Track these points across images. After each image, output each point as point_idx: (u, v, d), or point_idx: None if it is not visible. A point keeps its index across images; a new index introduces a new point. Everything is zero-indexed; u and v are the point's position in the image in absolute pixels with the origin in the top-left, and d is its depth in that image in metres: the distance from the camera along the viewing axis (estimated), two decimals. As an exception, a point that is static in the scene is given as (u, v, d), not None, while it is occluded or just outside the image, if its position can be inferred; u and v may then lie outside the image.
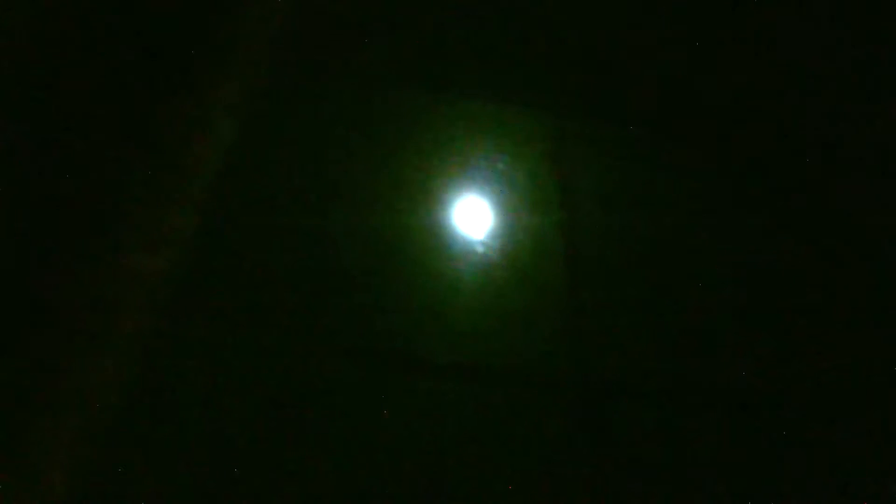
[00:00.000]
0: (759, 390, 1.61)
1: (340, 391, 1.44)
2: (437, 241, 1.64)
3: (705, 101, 1.97)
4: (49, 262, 1.17)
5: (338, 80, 1.77)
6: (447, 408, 1.47)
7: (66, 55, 1.26)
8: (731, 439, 1.54)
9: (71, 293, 1.16)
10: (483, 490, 1.40)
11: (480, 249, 1.65)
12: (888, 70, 2.01)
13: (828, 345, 1.67)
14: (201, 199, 1.35)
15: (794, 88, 2.02)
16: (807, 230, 1.82)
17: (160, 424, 1.34)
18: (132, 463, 1.29)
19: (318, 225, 1.58)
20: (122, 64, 1.25)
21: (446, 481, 1.40)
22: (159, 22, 1.31)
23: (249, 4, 1.35)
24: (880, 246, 1.78)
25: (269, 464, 1.35)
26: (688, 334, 1.65)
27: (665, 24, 2.03)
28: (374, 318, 1.53)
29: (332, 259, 1.57)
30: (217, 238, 1.50)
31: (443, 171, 1.73)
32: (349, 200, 1.64)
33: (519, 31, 1.98)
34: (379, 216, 1.63)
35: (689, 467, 1.49)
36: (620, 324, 1.63)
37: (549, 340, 1.58)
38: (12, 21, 1.26)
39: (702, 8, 2.05)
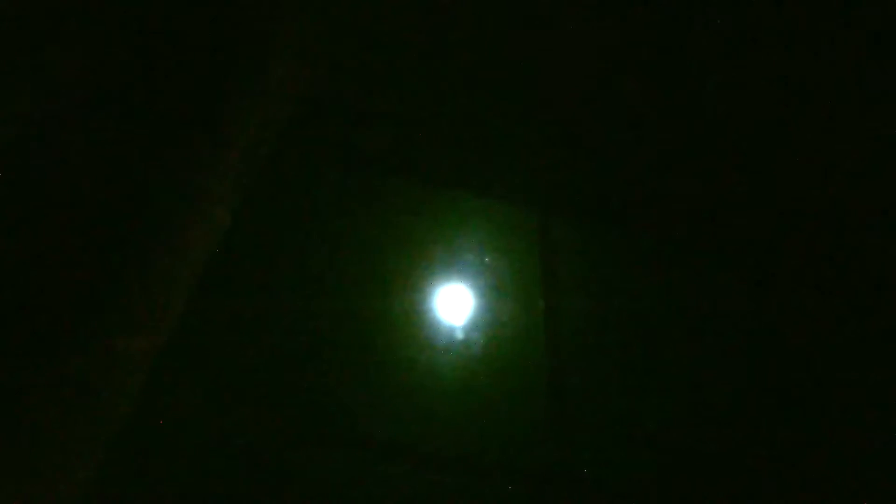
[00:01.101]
0: (747, 471, 1.61)
1: (312, 478, 1.40)
2: (418, 328, 1.64)
3: (678, 193, 2.06)
4: (32, 341, 1.15)
5: (329, 167, 1.81)
6: (418, 497, 1.44)
7: (72, 124, 1.28)
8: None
9: (51, 374, 1.14)
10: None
11: (461, 337, 1.66)
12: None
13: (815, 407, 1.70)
14: (190, 281, 1.35)
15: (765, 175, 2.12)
16: (782, 314, 1.88)
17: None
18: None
19: (303, 308, 1.58)
20: (126, 138, 1.28)
21: None
22: (162, 101, 1.34)
23: (244, 93, 1.40)
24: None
25: None
26: (670, 424, 1.66)
27: (636, 126, 2.14)
28: (354, 401, 1.52)
29: (314, 341, 1.57)
30: (202, 319, 1.49)
31: (427, 260, 1.76)
32: (333, 286, 1.65)
33: (510, 128, 2.07)
34: (361, 302, 1.64)
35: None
36: (602, 412, 1.64)
37: (530, 429, 1.57)
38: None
39: (671, 111, 2.17)
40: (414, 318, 1.65)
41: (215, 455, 1.38)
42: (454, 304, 1.71)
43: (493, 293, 1.76)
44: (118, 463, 1.30)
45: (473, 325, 1.69)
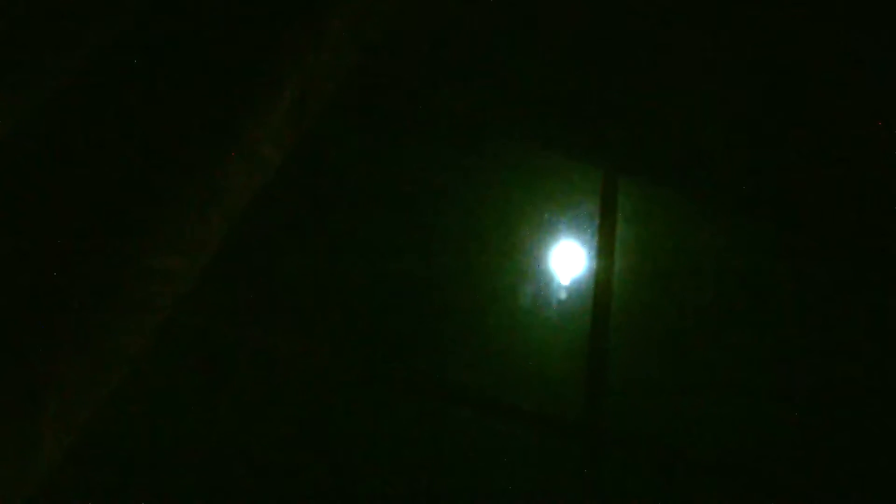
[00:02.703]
0: (780, 470, 1.53)
1: (364, 411, 1.48)
2: (480, 279, 1.67)
3: (763, 167, 1.93)
4: (75, 258, 1.26)
5: (403, 126, 1.85)
6: (478, 444, 1.48)
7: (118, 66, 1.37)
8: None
9: (96, 289, 1.25)
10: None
11: (519, 288, 1.67)
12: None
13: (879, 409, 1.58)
14: (233, 212, 1.42)
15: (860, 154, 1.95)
16: (862, 306, 1.74)
17: (166, 426, 1.40)
18: (143, 464, 1.36)
19: (367, 254, 1.63)
20: (168, 71, 1.35)
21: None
22: (214, 43, 1.41)
23: (323, 46, 1.44)
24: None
25: (281, 471, 1.39)
26: (711, 403, 1.59)
27: (725, 87, 2.01)
28: (423, 344, 1.58)
29: (385, 286, 1.63)
30: (253, 248, 1.58)
31: (491, 215, 1.77)
32: (393, 234, 1.69)
33: (583, 87, 2.01)
34: (425, 252, 1.68)
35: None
36: (643, 380, 1.61)
37: (567, 386, 1.57)
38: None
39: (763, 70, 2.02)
40: (465, 267, 1.68)
41: (266, 385, 1.46)
42: (509, 255, 1.72)
43: (549, 249, 1.75)
44: (150, 377, 1.41)
45: (526, 277, 1.70)
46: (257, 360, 1.47)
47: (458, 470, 1.46)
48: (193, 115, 1.32)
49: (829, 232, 1.86)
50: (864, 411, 1.64)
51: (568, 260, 1.74)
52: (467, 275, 1.68)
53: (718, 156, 1.96)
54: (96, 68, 1.36)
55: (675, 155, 1.96)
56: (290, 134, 1.49)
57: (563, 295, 1.69)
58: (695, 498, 1.50)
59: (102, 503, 1.30)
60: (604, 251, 1.77)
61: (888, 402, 1.63)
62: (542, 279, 1.70)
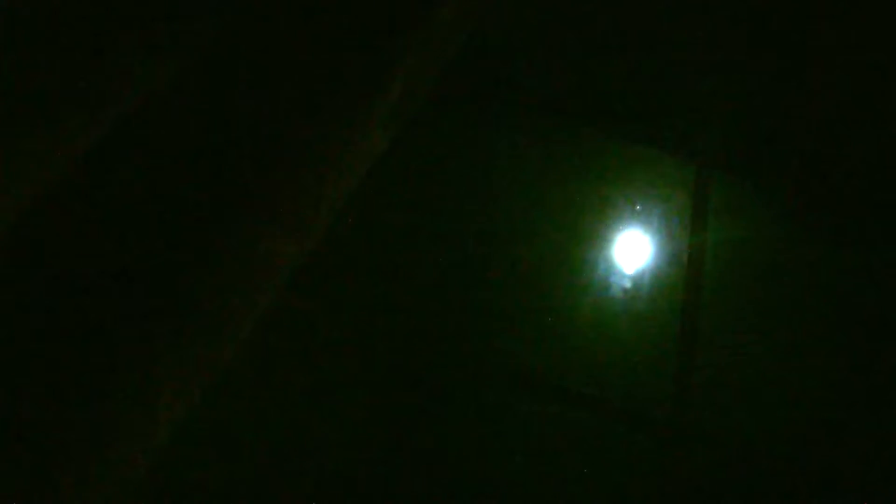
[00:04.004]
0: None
1: (455, 400, 1.48)
2: (564, 266, 1.66)
3: (861, 168, 1.88)
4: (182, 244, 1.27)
5: (495, 104, 1.84)
6: (542, 428, 1.48)
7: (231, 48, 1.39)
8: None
9: (217, 270, 1.27)
10: None
11: (605, 279, 1.65)
12: None
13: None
14: (341, 195, 1.44)
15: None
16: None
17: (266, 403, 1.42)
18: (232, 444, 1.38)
19: (453, 239, 1.64)
20: (288, 62, 1.36)
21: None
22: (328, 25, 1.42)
23: (414, 25, 1.45)
24: None
25: (370, 458, 1.40)
26: (805, 404, 1.56)
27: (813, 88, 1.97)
28: (494, 329, 1.57)
29: (453, 255, 1.63)
30: (354, 234, 1.60)
31: (581, 203, 1.75)
32: (487, 219, 1.70)
33: (681, 80, 1.99)
34: (512, 236, 1.68)
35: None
36: (732, 379, 1.58)
37: (655, 380, 1.55)
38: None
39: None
40: (558, 257, 1.67)
41: (346, 366, 1.47)
42: (600, 247, 1.70)
43: (640, 242, 1.73)
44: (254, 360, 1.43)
45: (616, 269, 1.68)
46: (350, 344, 1.48)
47: (538, 459, 1.45)
48: (311, 105, 1.33)
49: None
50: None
51: (658, 253, 1.72)
52: (558, 266, 1.67)
53: (809, 152, 1.92)
54: (223, 53, 1.38)
55: (767, 150, 1.92)
56: (396, 123, 1.50)
57: (652, 288, 1.66)
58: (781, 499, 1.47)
59: (209, 482, 1.32)
60: (695, 245, 1.74)
61: None
62: (631, 272, 1.69)
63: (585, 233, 1.72)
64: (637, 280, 1.68)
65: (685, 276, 1.70)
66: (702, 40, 2.05)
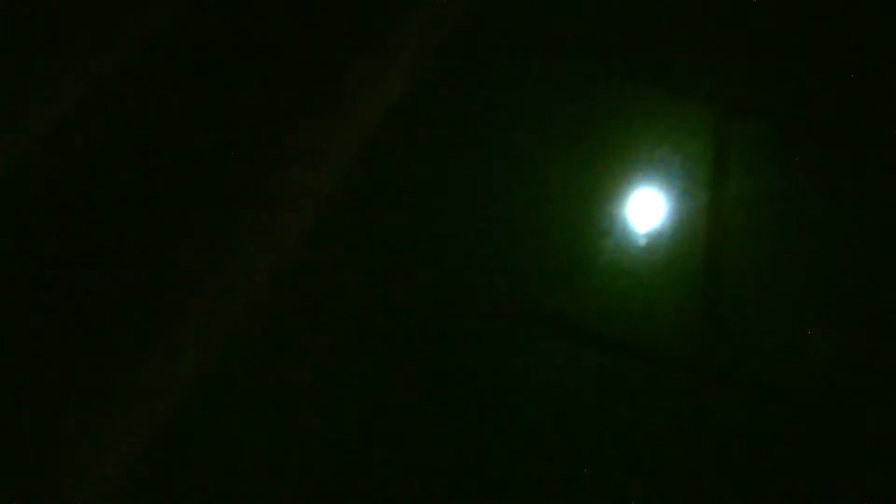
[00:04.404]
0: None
1: (478, 341, 1.46)
2: (585, 210, 1.64)
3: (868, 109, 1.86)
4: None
5: (518, 53, 1.76)
6: (564, 367, 1.47)
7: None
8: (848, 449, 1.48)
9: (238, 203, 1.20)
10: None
11: (626, 224, 1.62)
12: None
13: None
14: (359, 137, 1.37)
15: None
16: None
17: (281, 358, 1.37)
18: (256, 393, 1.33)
19: (474, 182, 1.58)
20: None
21: (547, 436, 1.40)
22: None
23: None
24: None
25: (390, 409, 1.37)
26: (829, 346, 1.58)
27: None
28: (517, 270, 1.55)
29: (487, 213, 1.57)
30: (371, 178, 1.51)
31: (600, 147, 1.71)
32: (509, 163, 1.64)
33: (704, 26, 1.92)
34: (538, 181, 1.62)
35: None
36: (757, 323, 1.59)
37: (680, 323, 1.55)
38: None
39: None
40: (579, 200, 1.64)
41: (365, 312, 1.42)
42: (621, 191, 1.68)
43: (661, 186, 1.69)
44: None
45: (637, 212, 1.66)
46: (363, 290, 1.43)
47: (556, 401, 1.45)
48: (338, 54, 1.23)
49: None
50: None
51: (680, 200, 1.69)
52: (578, 213, 1.63)
53: (833, 98, 1.89)
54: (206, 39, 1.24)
55: (790, 98, 1.89)
56: (413, 68, 1.42)
57: (674, 234, 1.65)
58: (804, 440, 1.51)
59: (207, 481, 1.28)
60: (717, 191, 1.72)
61: None
62: (654, 218, 1.66)
63: (607, 180, 1.68)
64: (659, 226, 1.65)
65: (707, 221, 1.68)
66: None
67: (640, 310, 1.55)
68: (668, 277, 1.59)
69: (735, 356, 1.54)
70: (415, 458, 1.33)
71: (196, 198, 1.22)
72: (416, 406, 1.38)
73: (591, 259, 1.58)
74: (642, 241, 1.62)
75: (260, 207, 1.27)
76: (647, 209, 1.66)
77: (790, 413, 1.50)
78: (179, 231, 1.19)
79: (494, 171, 1.64)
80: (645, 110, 1.80)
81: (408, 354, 1.42)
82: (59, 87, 1.25)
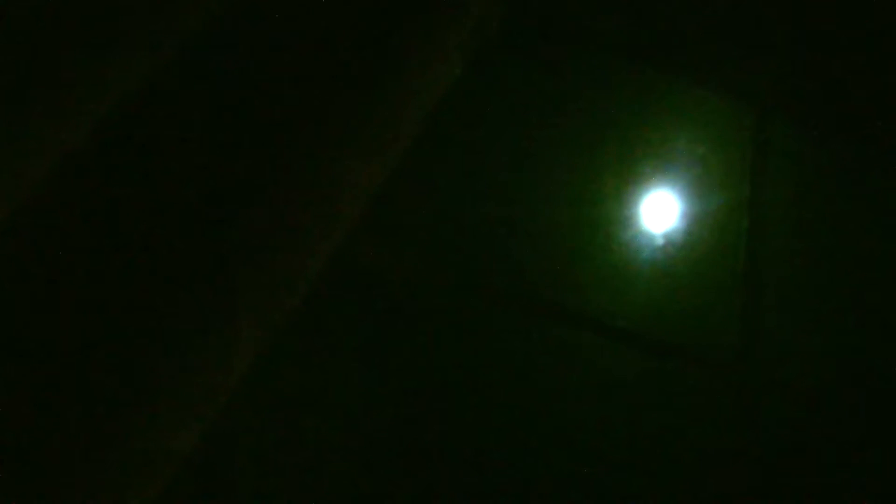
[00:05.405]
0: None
1: (511, 341, 1.45)
2: (621, 207, 1.62)
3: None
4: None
5: (561, 44, 1.74)
6: (602, 367, 1.47)
7: None
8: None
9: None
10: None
11: (663, 221, 1.62)
12: None
13: None
14: (417, 120, 1.36)
15: None
16: None
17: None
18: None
19: (510, 176, 1.57)
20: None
21: (580, 432, 1.41)
22: None
23: None
24: None
25: (402, 396, 1.37)
26: (870, 348, 1.59)
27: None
28: (548, 270, 1.53)
29: (507, 204, 1.57)
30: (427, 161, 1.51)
31: (638, 144, 1.70)
32: (543, 160, 1.62)
33: (744, 21, 1.90)
34: (570, 176, 1.61)
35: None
36: (795, 323, 1.59)
37: (720, 323, 1.55)
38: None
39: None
40: (618, 198, 1.63)
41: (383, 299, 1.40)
42: (661, 190, 1.67)
43: (699, 185, 1.68)
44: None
45: (676, 212, 1.65)
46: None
47: (597, 403, 1.45)
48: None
49: None
50: None
51: (720, 198, 1.68)
52: (619, 211, 1.62)
53: (869, 98, 1.88)
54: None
55: (828, 96, 1.88)
56: (471, 50, 1.40)
57: (713, 234, 1.64)
58: (845, 442, 1.51)
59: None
60: (755, 190, 1.71)
61: None
62: (693, 216, 1.65)
63: (644, 176, 1.67)
64: (698, 224, 1.64)
65: (746, 219, 1.67)
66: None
67: (680, 311, 1.55)
68: (707, 278, 1.60)
69: (776, 357, 1.54)
70: (450, 467, 1.32)
71: (240, 194, 1.20)
72: (453, 410, 1.37)
73: (630, 260, 1.58)
74: (681, 242, 1.61)
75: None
76: (685, 209, 1.66)
77: (832, 415, 1.51)
78: (225, 227, 1.18)
79: (534, 169, 1.63)
80: (682, 108, 1.78)
81: (444, 354, 1.42)
82: (93, 84, 1.22)
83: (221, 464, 1.21)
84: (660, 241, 1.60)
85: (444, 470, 1.32)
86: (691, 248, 1.61)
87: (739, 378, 1.51)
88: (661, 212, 1.64)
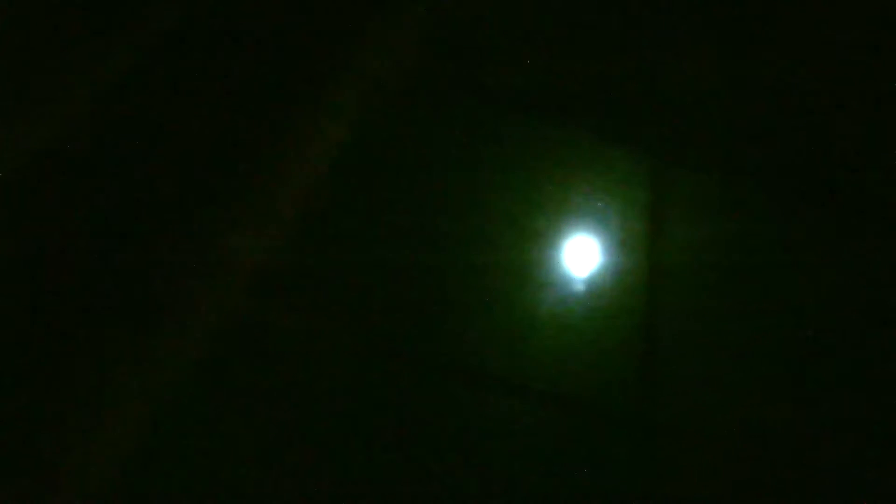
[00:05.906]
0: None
1: (414, 400, 1.45)
2: (521, 264, 1.65)
3: (818, 159, 1.93)
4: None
5: (454, 98, 1.82)
6: (506, 423, 1.47)
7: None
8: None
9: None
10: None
11: (562, 276, 1.65)
12: None
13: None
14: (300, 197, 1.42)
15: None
16: None
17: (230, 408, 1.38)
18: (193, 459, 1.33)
19: (416, 225, 1.61)
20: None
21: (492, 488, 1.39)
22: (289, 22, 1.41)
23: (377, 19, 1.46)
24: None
25: (332, 460, 1.37)
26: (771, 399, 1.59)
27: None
28: (457, 331, 1.54)
29: (409, 257, 1.59)
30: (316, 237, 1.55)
31: (537, 198, 1.74)
32: (449, 210, 1.67)
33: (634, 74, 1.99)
34: (469, 231, 1.66)
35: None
36: (695, 373, 1.60)
37: (621, 378, 1.56)
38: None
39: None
40: (519, 256, 1.65)
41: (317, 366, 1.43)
42: (560, 244, 1.69)
43: (598, 236, 1.73)
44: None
45: (577, 266, 1.68)
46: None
47: (503, 457, 1.44)
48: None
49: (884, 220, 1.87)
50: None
51: (618, 250, 1.72)
52: (517, 266, 1.64)
53: (767, 143, 1.96)
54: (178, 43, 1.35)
55: (722, 143, 1.96)
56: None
57: (613, 286, 1.66)
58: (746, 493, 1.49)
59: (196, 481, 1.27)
60: (653, 240, 1.74)
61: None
62: (591, 270, 1.68)
63: (543, 231, 1.70)
64: (599, 277, 1.67)
65: (646, 274, 1.70)
66: (659, 36, 2.08)
67: (578, 364, 1.55)
68: (606, 331, 1.61)
69: (672, 407, 1.54)
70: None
71: (189, 195, 1.25)
72: (364, 466, 1.37)
73: (529, 315, 1.58)
74: (580, 294, 1.63)
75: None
76: (585, 260, 1.68)
77: (729, 462, 1.49)
78: (173, 228, 1.22)
79: (431, 216, 1.65)
80: (582, 160, 1.82)
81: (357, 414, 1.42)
82: (58, 88, 1.29)
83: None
84: (558, 295, 1.62)
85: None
86: (590, 301, 1.63)
87: (638, 428, 1.51)
88: (559, 265, 1.66)
